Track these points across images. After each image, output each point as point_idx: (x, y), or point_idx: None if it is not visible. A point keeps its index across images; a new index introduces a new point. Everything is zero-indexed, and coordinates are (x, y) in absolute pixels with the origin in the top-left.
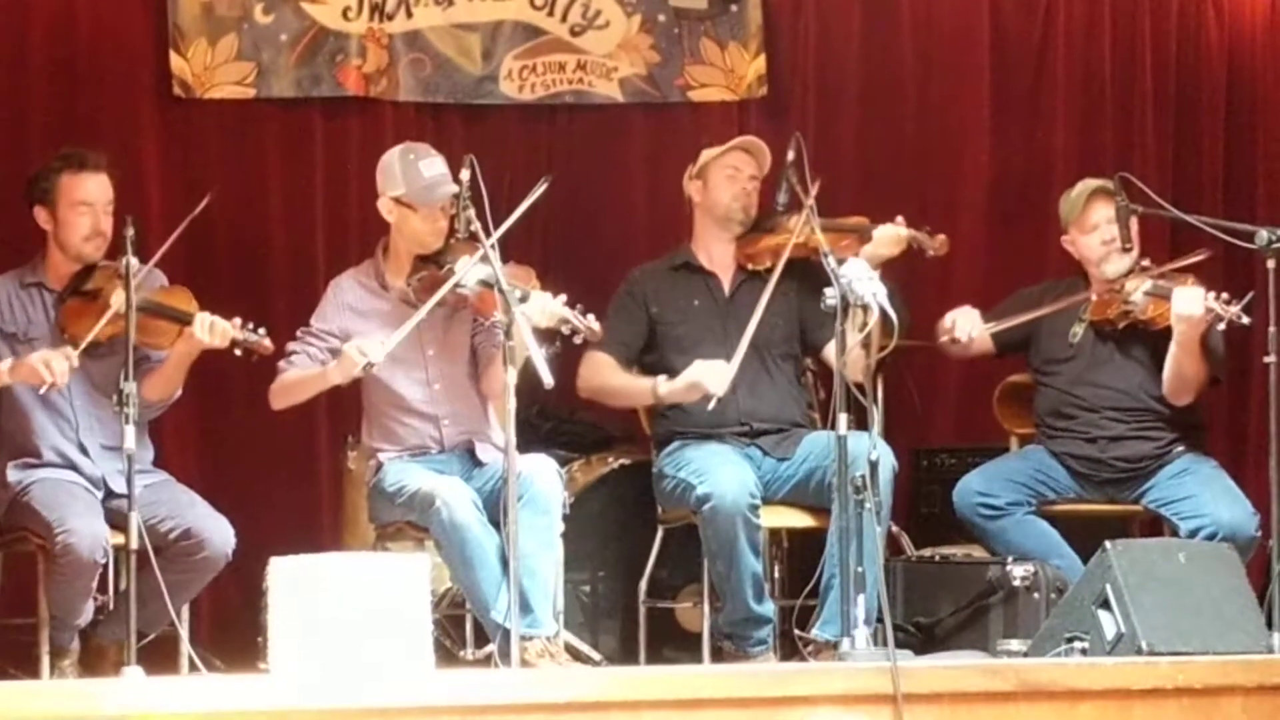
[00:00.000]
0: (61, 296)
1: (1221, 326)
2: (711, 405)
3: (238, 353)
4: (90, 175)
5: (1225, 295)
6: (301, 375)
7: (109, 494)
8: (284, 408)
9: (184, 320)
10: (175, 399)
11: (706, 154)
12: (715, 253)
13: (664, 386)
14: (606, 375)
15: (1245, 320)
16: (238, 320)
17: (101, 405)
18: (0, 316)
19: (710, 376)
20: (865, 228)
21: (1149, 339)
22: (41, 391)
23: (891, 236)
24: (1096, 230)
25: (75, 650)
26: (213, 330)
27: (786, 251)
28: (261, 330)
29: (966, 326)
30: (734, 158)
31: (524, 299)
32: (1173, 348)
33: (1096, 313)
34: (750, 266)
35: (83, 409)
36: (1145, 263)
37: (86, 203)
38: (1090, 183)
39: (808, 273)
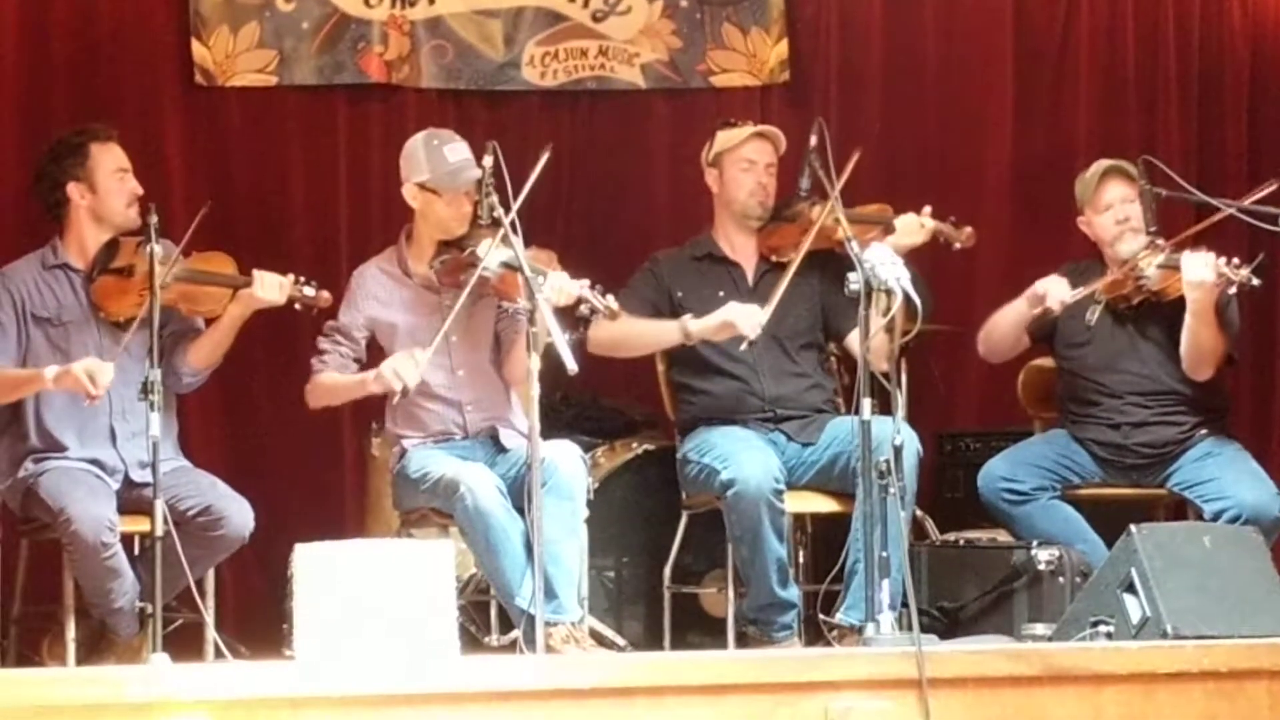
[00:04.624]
0: (90, 275)
1: (1233, 290)
2: (744, 347)
3: (297, 307)
4: (114, 144)
5: (1236, 260)
6: (339, 381)
7: (129, 483)
8: (321, 407)
9: (235, 283)
10: (217, 365)
11: (721, 140)
12: (737, 242)
13: (694, 324)
14: (626, 323)
15: (1256, 282)
16: (291, 276)
17: (135, 383)
18: (31, 301)
19: (743, 317)
20: (888, 218)
21: (1166, 319)
22: (86, 404)
23: (914, 225)
24: (1110, 210)
25: (126, 639)
26: (273, 287)
27: (807, 243)
28: (314, 283)
29: (1059, 293)
30: (749, 148)
31: (539, 274)
32: (1188, 319)
33: (1111, 290)
34: (774, 258)
35: (116, 390)
36: (1159, 241)
37: (124, 169)
38: (1104, 162)
39: (830, 261)
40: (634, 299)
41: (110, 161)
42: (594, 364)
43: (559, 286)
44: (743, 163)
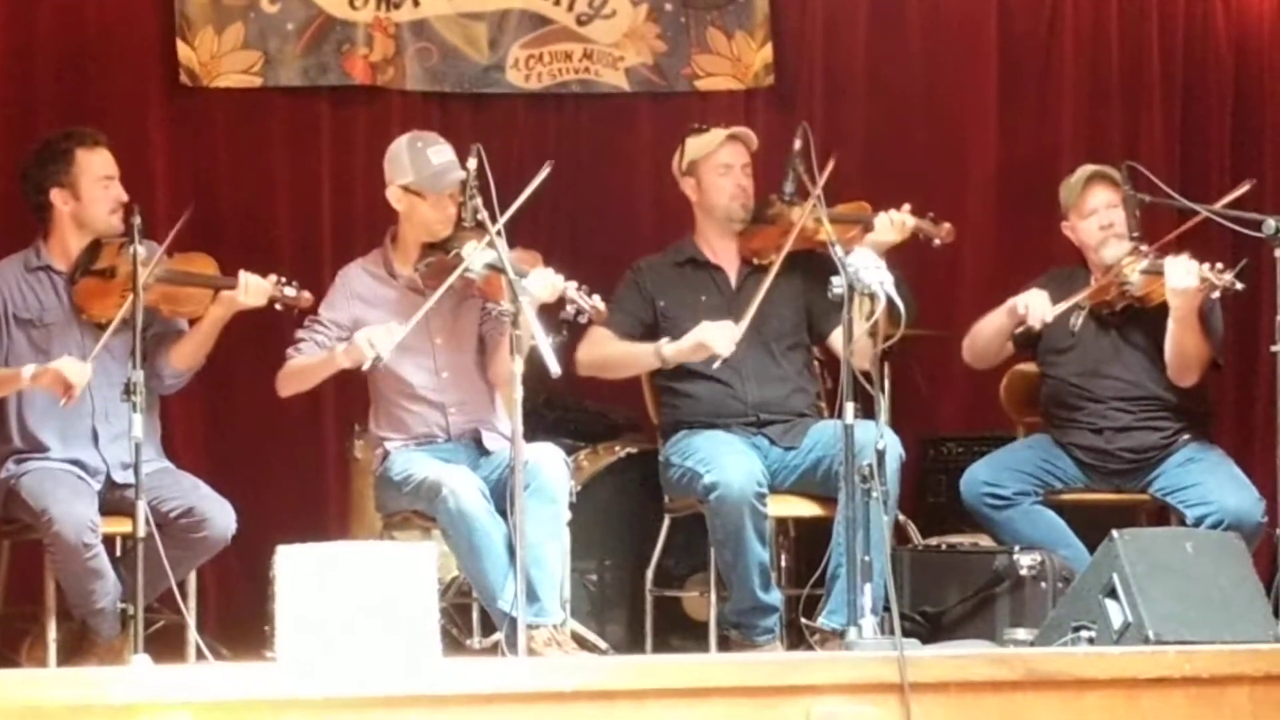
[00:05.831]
0: (72, 277)
1: (1216, 295)
2: (716, 365)
3: (278, 307)
4: (102, 149)
5: (1219, 265)
6: (309, 361)
7: (111, 484)
8: (292, 394)
9: (217, 284)
10: (200, 367)
11: (693, 148)
12: (719, 246)
13: (669, 348)
14: (606, 347)
15: (1239, 286)
16: (273, 277)
17: (118, 384)
18: (14, 303)
19: (716, 337)
20: (867, 218)
21: (1149, 324)
22: (62, 404)
23: (893, 224)
24: (1094, 215)
25: (107, 640)
26: (254, 290)
27: (787, 245)
28: (295, 284)
29: (1040, 311)
30: (724, 153)
31: (523, 275)
32: (1171, 325)
33: (1095, 297)
34: (756, 260)
35: (99, 391)
36: (1143, 247)
37: (109, 176)
38: (1088, 168)
39: (813, 262)
40: (619, 315)
41: (96, 168)
42: (575, 366)
43: (545, 281)
44: (719, 168)
